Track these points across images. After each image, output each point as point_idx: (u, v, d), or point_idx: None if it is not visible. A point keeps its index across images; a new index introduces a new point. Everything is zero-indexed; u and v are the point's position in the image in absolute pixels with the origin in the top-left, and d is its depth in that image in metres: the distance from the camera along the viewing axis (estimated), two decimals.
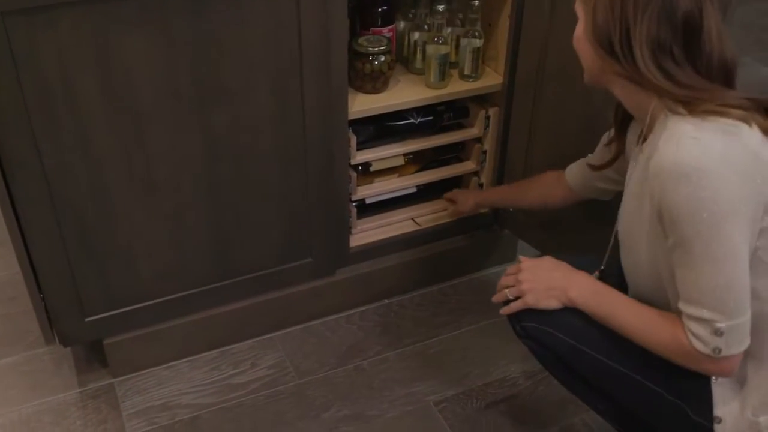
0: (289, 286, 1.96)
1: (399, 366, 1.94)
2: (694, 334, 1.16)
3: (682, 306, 1.17)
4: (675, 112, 1.14)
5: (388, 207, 2.11)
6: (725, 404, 1.24)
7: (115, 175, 1.58)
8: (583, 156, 1.65)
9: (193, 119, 1.58)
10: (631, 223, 1.30)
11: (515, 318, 1.42)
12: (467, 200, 2.05)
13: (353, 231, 2.01)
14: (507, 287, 1.42)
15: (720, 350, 1.15)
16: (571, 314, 1.34)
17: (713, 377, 1.25)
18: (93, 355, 1.93)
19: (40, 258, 1.60)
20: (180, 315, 1.86)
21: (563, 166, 1.70)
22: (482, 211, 2.13)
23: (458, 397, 1.85)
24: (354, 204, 1.98)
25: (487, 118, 2.01)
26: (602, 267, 1.44)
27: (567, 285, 1.34)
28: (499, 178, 2.11)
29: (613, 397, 1.40)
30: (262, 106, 1.64)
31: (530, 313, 1.38)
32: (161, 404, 1.82)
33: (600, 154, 1.56)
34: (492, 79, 1.99)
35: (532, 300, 1.37)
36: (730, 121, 1.11)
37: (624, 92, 1.25)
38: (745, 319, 1.14)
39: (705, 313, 1.14)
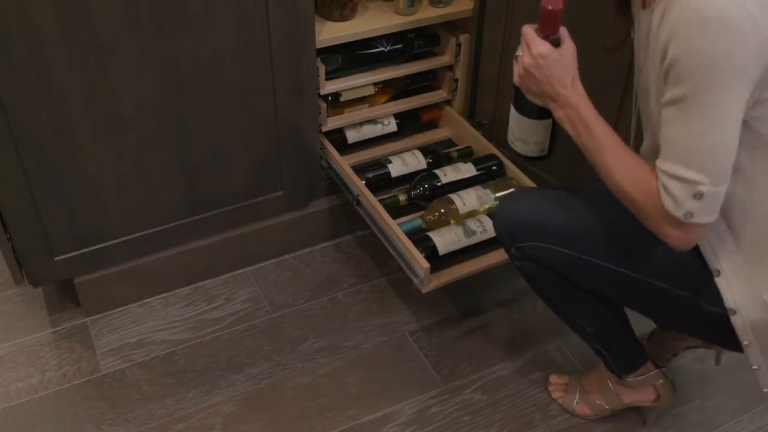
0: (262, 219, 1.95)
1: (373, 297, 1.94)
2: (669, 193, 1.11)
3: (665, 164, 1.11)
4: None
5: (370, 145, 2.06)
6: (734, 296, 1.23)
7: (78, 109, 1.53)
8: None
9: (156, 50, 1.54)
10: (644, 84, 1.25)
11: (509, 240, 1.40)
12: None
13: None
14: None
15: (691, 215, 1.10)
16: (566, 224, 1.32)
17: (715, 273, 1.23)
18: (65, 295, 1.91)
19: (4, 197, 1.56)
20: (152, 251, 1.84)
21: None
22: None
23: (433, 326, 1.87)
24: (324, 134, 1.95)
25: (458, 45, 1.98)
26: None
27: (563, 102, 1.24)
28: (471, 107, 2.09)
29: (624, 305, 1.40)
30: (226, 35, 1.59)
31: (526, 232, 1.37)
32: (136, 341, 1.82)
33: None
34: (462, 4, 1.95)
35: (523, 88, 1.29)
36: None
37: None
38: (724, 188, 1.10)
39: (690, 174, 1.08)
